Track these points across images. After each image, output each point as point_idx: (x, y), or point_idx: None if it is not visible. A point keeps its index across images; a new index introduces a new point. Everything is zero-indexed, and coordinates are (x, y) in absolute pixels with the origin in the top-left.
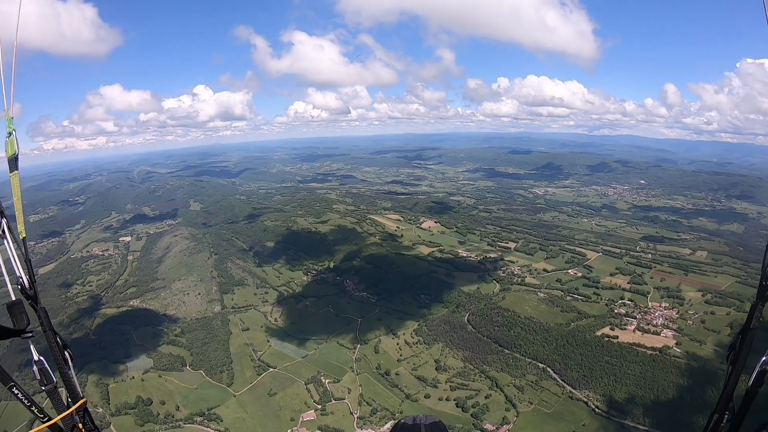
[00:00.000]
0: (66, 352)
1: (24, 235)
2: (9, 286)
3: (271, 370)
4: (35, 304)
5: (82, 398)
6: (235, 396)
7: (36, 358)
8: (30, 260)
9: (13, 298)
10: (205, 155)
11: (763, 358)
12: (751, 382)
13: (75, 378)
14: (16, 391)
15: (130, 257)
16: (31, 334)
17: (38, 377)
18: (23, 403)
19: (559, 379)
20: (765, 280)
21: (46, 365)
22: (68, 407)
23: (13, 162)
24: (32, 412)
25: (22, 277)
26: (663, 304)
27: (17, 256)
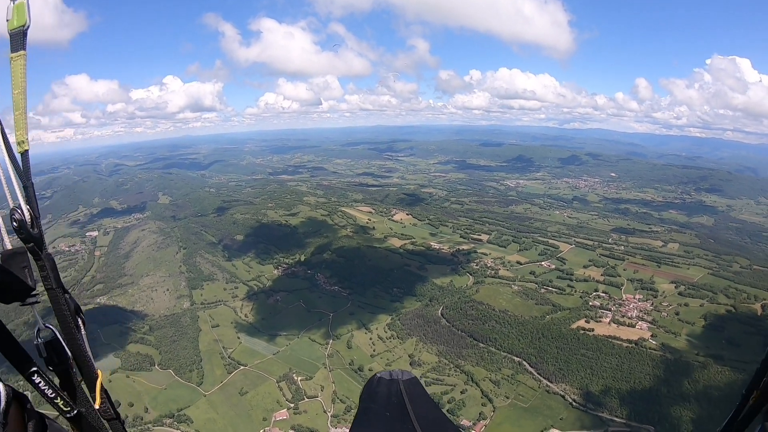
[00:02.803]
0: (78, 318)
1: (27, 148)
2: (2, 225)
3: (241, 368)
4: (39, 251)
5: (96, 375)
6: (205, 396)
7: (42, 326)
8: (33, 185)
9: (7, 242)
10: (175, 147)
11: None
12: None
13: (89, 350)
14: (38, 380)
15: (97, 253)
16: (36, 299)
17: (44, 353)
18: (45, 395)
19: (535, 373)
20: None
21: (58, 334)
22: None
23: (19, 38)
24: (55, 406)
25: (20, 209)
26: (637, 296)
27: (13, 176)
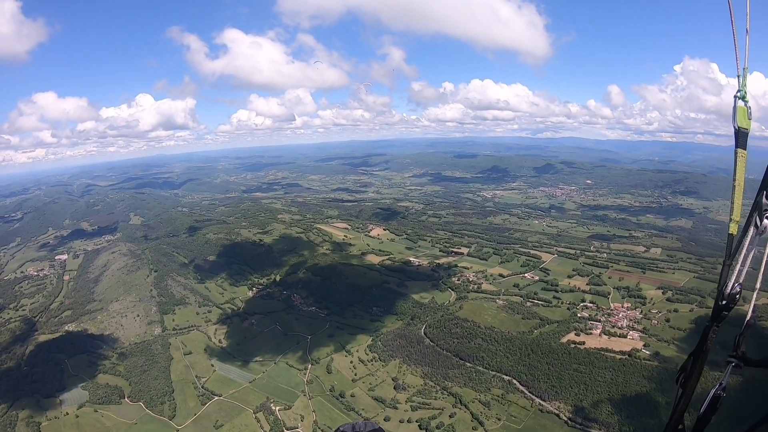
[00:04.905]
0: None
1: None
2: None
3: (216, 398)
4: None
5: None
6: (177, 430)
7: None
8: None
9: None
10: (148, 166)
11: (717, 384)
12: (703, 409)
13: None
14: None
15: (66, 277)
16: None
17: None
18: None
19: (526, 392)
20: (720, 301)
21: None
22: None
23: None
24: None
25: None
26: (625, 305)
27: None
